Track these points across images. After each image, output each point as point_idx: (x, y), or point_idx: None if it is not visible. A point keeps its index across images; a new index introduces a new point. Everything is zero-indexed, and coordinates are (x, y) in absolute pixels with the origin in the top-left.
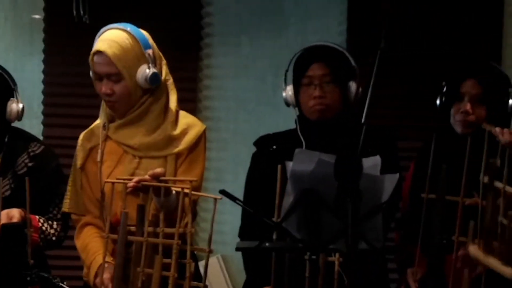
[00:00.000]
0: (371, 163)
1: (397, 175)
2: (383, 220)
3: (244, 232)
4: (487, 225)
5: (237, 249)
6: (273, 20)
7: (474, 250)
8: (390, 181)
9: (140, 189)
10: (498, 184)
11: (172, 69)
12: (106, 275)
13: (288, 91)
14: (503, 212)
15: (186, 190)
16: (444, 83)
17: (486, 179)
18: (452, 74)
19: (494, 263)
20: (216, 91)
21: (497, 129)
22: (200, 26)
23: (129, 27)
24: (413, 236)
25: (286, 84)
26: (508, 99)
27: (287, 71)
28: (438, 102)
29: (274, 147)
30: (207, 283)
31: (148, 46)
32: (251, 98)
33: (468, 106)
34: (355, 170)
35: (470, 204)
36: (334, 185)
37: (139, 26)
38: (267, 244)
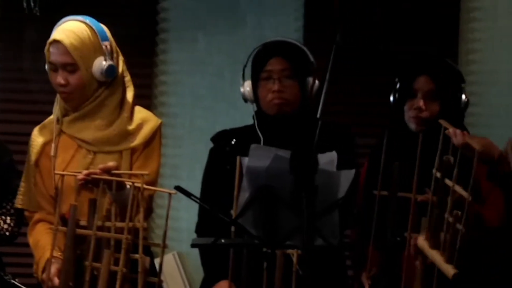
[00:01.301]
0: (327, 159)
1: (353, 171)
2: (340, 216)
3: (200, 229)
4: (433, 219)
5: (193, 245)
6: (229, 15)
7: (421, 242)
8: (346, 177)
9: (90, 182)
10: (448, 182)
11: (127, 65)
12: (53, 269)
13: (246, 86)
14: (449, 210)
15: (137, 185)
16: (397, 79)
17: (438, 175)
18: (405, 70)
19: (437, 258)
20: (172, 87)
21: (451, 130)
22: (155, 21)
23: (88, 19)
24: (366, 233)
25: (244, 79)
26: (461, 95)
27: (245, 66)
28: (391, 98)
29: (234, 141)
30: (163, 279)
31: (105, 39)
32: (207, 94)
33: (421, 103)
34: (310, 165)
35: (422, 200)
36: (290, 181)
37: None
38: (222, 241)
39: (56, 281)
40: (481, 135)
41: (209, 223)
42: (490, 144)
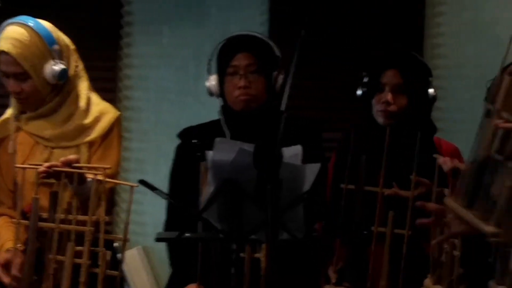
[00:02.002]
0: (292, 153)
1: (319, 164)
2: (305, 210)
3: (169, 226)
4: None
5: (157, 239)
6: (194, 9)
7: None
8: (311, 170)
9: (51, 175)
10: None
11: (91, 58)
12: (16, 261)
13: (212, 81)
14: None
15: (99, 177)
16: (364, 73)
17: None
18: (373, 64)
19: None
20: (136, 81)
21: (441, 159)
22: (120, 15)
23: (31, 21)
24: (334, 227)
25: (209, 73)
26: (429, 89)
27: (210, 60)
28: (359, 92)
29: (195, 141)
30: (128, 274)
31: (52, 41)
32: (173, 88)
33: (389, 96)
34: (275, 159)
35: (389, 194)
36: (255, 175)
37: (57, 15)
38: (187, 234)
39: (15, 272)
40: (447, 130)
41: (177, 220)
42: None
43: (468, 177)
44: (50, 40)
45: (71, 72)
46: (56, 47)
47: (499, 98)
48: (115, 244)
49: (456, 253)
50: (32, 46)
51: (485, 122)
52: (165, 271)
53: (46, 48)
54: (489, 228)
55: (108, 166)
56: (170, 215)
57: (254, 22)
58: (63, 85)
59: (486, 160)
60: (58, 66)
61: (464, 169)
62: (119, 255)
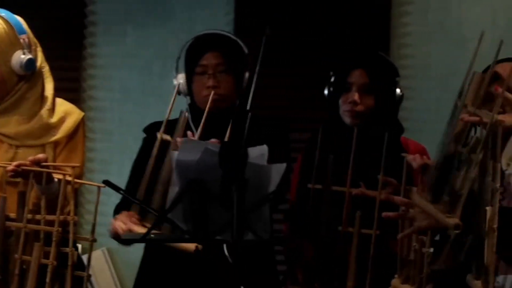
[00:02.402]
0: (258, 153)
1: (284, 165)
2: (271, 210)
3: (118, 208)
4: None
5: (123, 240)
6: (159, 8)
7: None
8: (277, 171)
9: (20, 174)
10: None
11: (55, 58)
12: None
13: (180, 79)
14: (416, 236)
15: (68, 178)
16: (331, 73)
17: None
18: (340, 64)
19: (436, 212)
20: (100, 81)
21: (410, 156)
22: (84, 14)
23: (3, 12)
24: (301, 227)
25: (177, 72)
26: (396, 89)
27: (178, 58)
28: (326, 92)
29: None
30: (93, 275)
31: (22, 32)
32: (137, 88)
33: (356, 96)
34: (240, 159)
35: (356, 194)
36: (221, 175)
37: (20, 14)
38: (152, 236)
39: None
40: (413, 130)
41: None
42: None
43: (434, 172)
44: (20, 29)
45: (38, 67)
46: (25, 37)
47: (468, 94)
48: (79, 245)
49: (425, 250)
50: (1, 33)
51: (453, 118)
52: (130, 273)
53: (16, 36)
54: (451, 221)
55: (78, 164)
56: (121, 202)
57: (219, 22)
58: (29, 79)
59: (452, 155)
60: (26, 56)
61: (431, 164)
62: (83, 256)
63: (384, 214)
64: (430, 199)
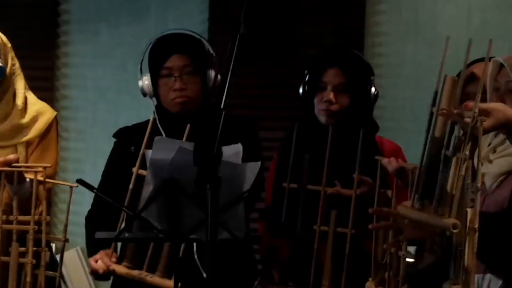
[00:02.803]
0: (232, 151)
1: (259, 163)
2: (246, 209)
3: (90, 216)
4: (376, 254)
5: (96, 239)
6: (132, 7)
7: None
8: (251, 169)
9: None
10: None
11: (28, 57)
12: None
13: (145, 81)
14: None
15: (39, 177)
16: (306, 72)
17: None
18: (315, 63)
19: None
20: (74, 80)
21: (385, 160)
22: (57, 13)
23: None
24: (276, 226)
25: (142, 73)
26: (371, 87)
27: (142, 60)
28: (301, 91)
29: (133, 148)
30: (66, 275)
31: None
32: (111, 87)
33: (331, 95)
34: (214, 158)
35: (331, 193)
36: (195, 174)
37: None
38: (126, 235)
39: None
40: (386, 128)
41: (100, 214)
42: None
43: (421, 179)
44: None
45: (8, 70)
46: None
47: (443, 99)
48: (52, 245)
49: (401, 253)
50: None
51: (430, 126)
52: None
53: None
54: (449, 221)
55: (49, 164)
56: (93, 208)
57: (194, 20)
58: (1, 82)
59: (437, 157)
60: None
61: (407, 167)
62: (56, 256)
63: (371, 226)
64: (418, 206)
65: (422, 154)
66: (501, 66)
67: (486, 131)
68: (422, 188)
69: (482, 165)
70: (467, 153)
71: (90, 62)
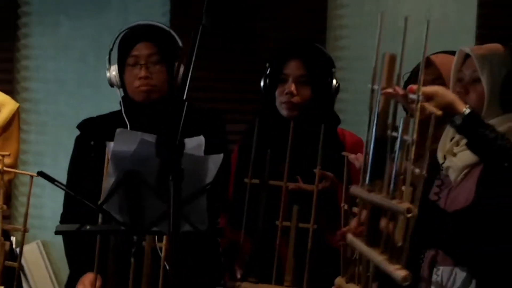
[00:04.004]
0: (195, 144)
1: (221, 155)
2: (209, 202)
3: (65, 218)
4: (345, 250)
5: (57, 232)
6: None
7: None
8: (214, 162)
9: None
10: (356, 210)
11: None
12: None
13: (112, 71)
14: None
15: None
16: (268, 64)
17: (345, 207)
18: (276, 55)
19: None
20: (34, 72)
21: (352, 156)
22: (17, 5)
23: None
24: (238, 220)
25: (110, 63)
26: (332, 80)
27: (111, 50)
28: (262, 84)
29: (92, 142)
30: (27, 268)
31: None
32: (72, 80)
33: (292, 87)
34: (177, 150)
35: (293, 188)
36: (157, 166)
37: None
38: (87, 227)
39: None
40: (348, 121)
41: (74, 212)
42: None
43: (368, 160)
44: None
45: None
46: None
47: (383, 77)
48: (13, 238)
49: None
50: None
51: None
52: (65, 266)
53: None
54: (403, 205)
55: (7, 152)
56: (66, 209)
57: (155, 13)
58: None
59: (383, 138)
60: None
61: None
62: (17, 250)
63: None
64: (368, 187)
65: (367, 134)
66: (466, 56)
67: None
68: (371, 168)
69: (445, 158)
70: (415, 137)
71: (50, 54)
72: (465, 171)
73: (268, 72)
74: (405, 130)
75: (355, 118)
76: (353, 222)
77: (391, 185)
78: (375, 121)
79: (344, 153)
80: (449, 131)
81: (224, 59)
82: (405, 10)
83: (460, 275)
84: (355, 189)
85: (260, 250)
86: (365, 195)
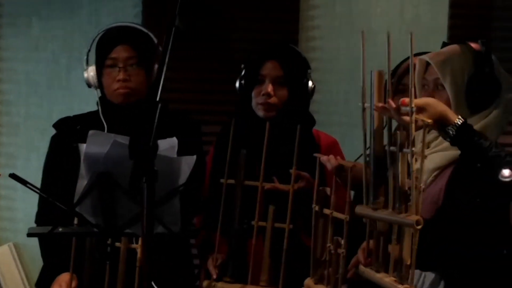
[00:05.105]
0: (168, 145)
1: (194, 157)
2: (182, 203)
3: (40, 219)
4: (315, 251)
5: (29, 234)
6: (65, 0)
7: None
8: (187, 163)
9: None
10: (327, 211)
11: None
12: None
13: (90, 72)
14: (331, 237)
15: None
16: (243, 66)
17: (317, 208)
18: (252, 56)
19: (391, 215)
20: (6, 74)
21: (324, 157)
22: None
23: None
24: (213, 221)
25: (87, 64)
26: (308, 81)
27: (89, 51)
28: (237, 85)
29: (78, 127)
30: None
31: None
32: (43, 81)
33: (270, 88)
34: (150, 151)
35: (269, 189)
36: (130, 168)
37: None
38: (60, 229)
39: None
40: (321, 122)
41: (49, 213)
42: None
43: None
44: None
45: None
46: None
47: (374, 94)
48: None
49: (341, 251)
50: None
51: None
52: (37, 268)
53: None
54: (412, 218)
55: None
56: (41, 209)
57: (127, 14)
58: None
59: (382, 154)
60: None
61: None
62: None
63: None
64: (372, 205)
65: (364, 151)
66: (427, 64)
67: (420, 127)
68: (374, 186)
69: (416, 160)
70: (414, 149)
71: (22, 56)
72: (435, 173)
73: (243, 73)
74: (402, 144)
75: (328, 119)
76: (361, 255)
77: (396, 200)
78: (371, 139)
79: (316, 154)
80: (419, 134)
81: (198, 60)
82: (377, 10)
83: (429, 277)
84: (362, 210)
85: (235, 250)
86: (372, 213)
